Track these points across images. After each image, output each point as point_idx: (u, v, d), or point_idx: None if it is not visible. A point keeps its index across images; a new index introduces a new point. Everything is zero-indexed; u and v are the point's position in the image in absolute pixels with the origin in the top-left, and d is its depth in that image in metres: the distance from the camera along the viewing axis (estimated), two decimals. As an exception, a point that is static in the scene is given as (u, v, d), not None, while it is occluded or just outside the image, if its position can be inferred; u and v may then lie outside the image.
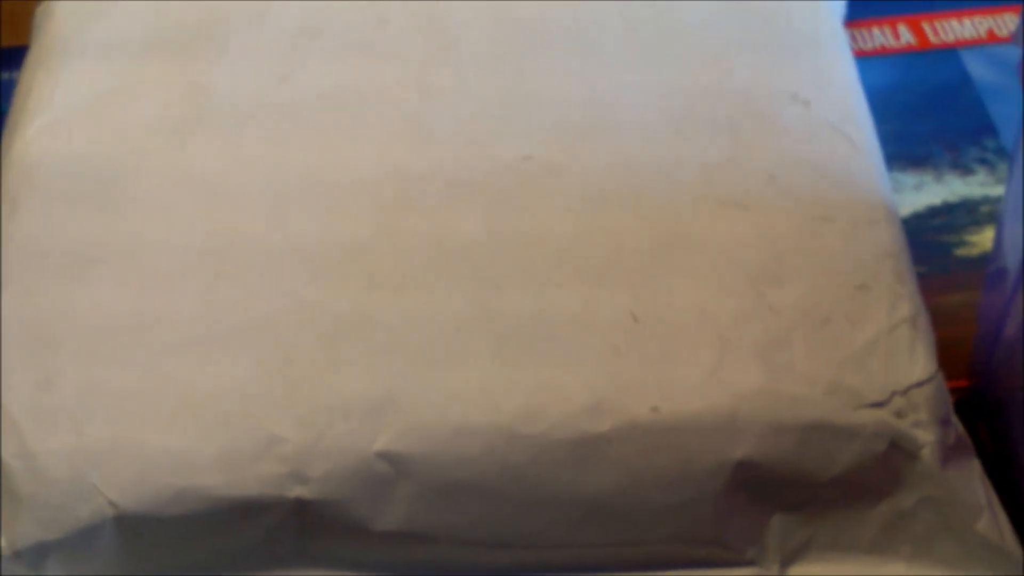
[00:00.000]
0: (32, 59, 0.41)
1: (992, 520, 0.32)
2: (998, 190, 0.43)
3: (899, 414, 0.32)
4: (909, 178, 0.43)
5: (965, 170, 0.43)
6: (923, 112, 0.45)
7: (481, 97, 0.37)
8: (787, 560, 0.33)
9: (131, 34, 0.40)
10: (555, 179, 0.35)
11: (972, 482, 0.33)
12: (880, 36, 0.48)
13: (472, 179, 0.35)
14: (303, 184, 0.36)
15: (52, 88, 0.39)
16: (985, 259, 0.41)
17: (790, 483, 0.32)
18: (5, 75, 0.51)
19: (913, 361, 0.32)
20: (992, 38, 0.47)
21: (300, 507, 0.32)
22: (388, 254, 0.34)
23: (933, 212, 0.42)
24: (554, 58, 0.38)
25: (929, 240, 0.41)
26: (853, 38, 0.47)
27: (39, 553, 0.32)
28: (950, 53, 0.47)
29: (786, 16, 0.38)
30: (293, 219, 0.35)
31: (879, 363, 0.32)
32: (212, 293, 0.34)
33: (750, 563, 0.33)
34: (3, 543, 0.32)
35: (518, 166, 0.36)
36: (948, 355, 0.34)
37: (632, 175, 0.35)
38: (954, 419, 0.33)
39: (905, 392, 0.32)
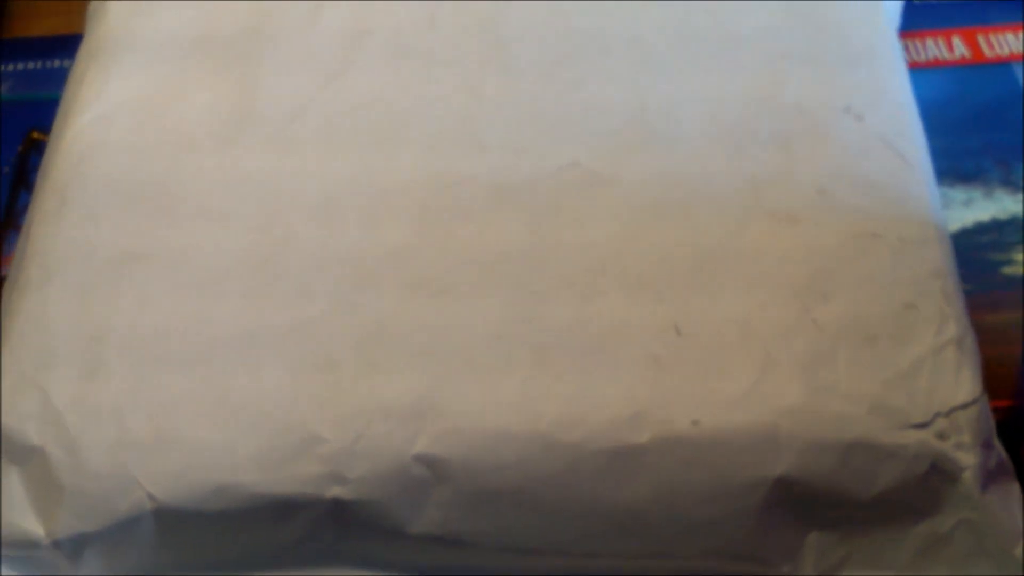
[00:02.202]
0: (85, 51, 0.41)
1: (1032, 545, 0.32)
2: (1049, 208, 0.42)
3: (942, 436, 0.31)
4: (958, 193, 0.43)
5: (1015, 187, 0.43)
6: (975, 126, 0.44)
7: (530, 103, 0.37)
8: (822, 577, 0.33)
9: (183, 32, 0.40)
10: (601, 187, 0.35)
11: (1012, 506, 0.32)
12: (934, 48, 0.47)
13: (518, 185, 0.35)
14: (349, 187, 0.36)
15: (104, 82, 0.39)
16: (1033, 278, 0.41)
17: (829, 501, 0.32)
18: (9, 66, 0.52)
19: (958, 383, 0.32)
20: (1047, 53, 0.47)
21: (337, 507, 0.32)
22: (432, 258, 0.34)
23: (981, 229, 0.42)
24: (606, 66, 0.38)
25: (976, 257, 0.40)
26: (906, 49, 0.46)
27: (78, 543, 0.33)
28: (1004, 67, 0.46)
29: (842, 26, 0.38)
30: (338, 222, 0.35)
31: (924, 383, 0.32)
32: (256, 293, 0.34)
33: (785, 579, 0.33)
34: (42, 532, 0.32)
35: (564, 174, 0.35)
36: (991, 375, 0.33)
37: (680, 185, 0.35)
38: (996, 442, 0.32)
39: (949, 414, 0.32)
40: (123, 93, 0.39)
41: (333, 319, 0.33)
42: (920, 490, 0.31)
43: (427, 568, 0.33)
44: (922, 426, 0.31)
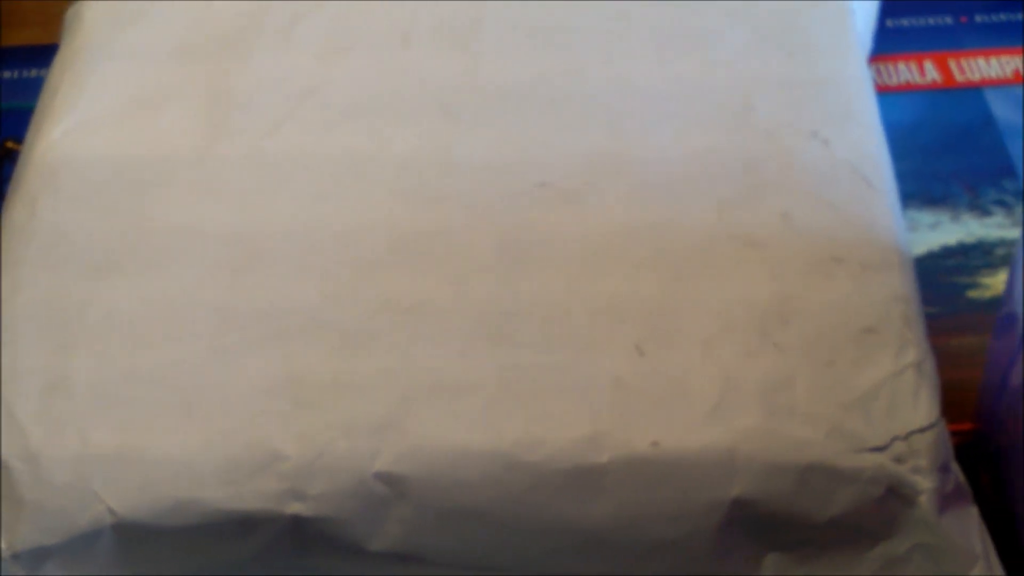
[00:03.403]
0: (60, 60, 0.41)
1: (987, 568, 0.32)
2: (1015, 233, 0.42)
3: (899, 459, 0.32)
4: (926, 216, 0.43)
5: (982, 211, 0.43)
6: (944, 150, 0.45)
7: (503, 121, 0.37)
8: (780, 599, 0.33)
9: (161, 39, 0.40)
10: (571, 205, 0.35)
11: (969, 530, 0.32)
12: (906, 72, 0.47)
13: (489, 204, 0.36)
14: (324, 204, 0.36)
15: (79, 91, 0.39)
16: (997, 303, 0.41)
17: (786, 523, 0.32)
18: (6, 74, 0.52)
19: (916, 407, 0.32)
20: (1018, 78, 0.47)
21: (297, 523, 0.32)
22: (401, 275, 0.34)
23: (948, 252, 0.42)
24: (582, 85, 0.38)
25: (942, 280, 0.41)
26: (878, 72, 0.47)
27: (38, 556, 0.33)
28: (975, 92, 0.47)
29: (811, 51, 0.38)
30: (312, 234, 0.35)
31: (882, 407, 0.32)
32: (225, 309, 0.34)
33: (744, 601, 0.33)
34: (3, 545, 0.32)
35: (534, 192, 0.36)
36: (954, 398, 0.34)
37: (648, 207, 0.35)
38: (954, 466, 0.32)
39: (906, 437, 0.32)
40: (98, 105, 0.39)
41: (300, 335, 0.33)
42: (877, 513, 0.32)
43: (387, 585, 0.33)
44: (879, 449, 0.31)
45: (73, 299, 0.35)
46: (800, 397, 0.32)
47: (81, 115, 0.39)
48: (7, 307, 0.35)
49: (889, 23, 0.47)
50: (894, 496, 0.31)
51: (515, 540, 0.32)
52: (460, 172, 0.36)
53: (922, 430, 0.32)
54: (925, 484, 0.31)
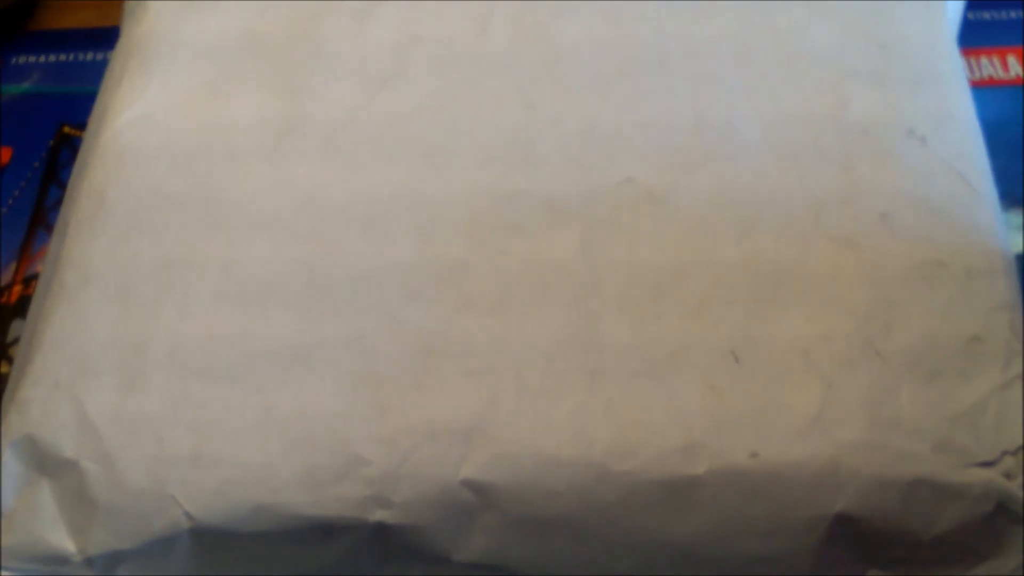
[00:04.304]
0: (124, 47, 0.40)
1: (1094, 587, 0.31)
2: (1106, 235, 0.41)
3: (1008, 475, 0.30)
4: (1012, 218, 0.42)
5: (1072, 212, 0.42)
6: (1031, 149, 0.43)
7: (585, 117, 0.36)
8: (879, 617, 0.32)
9: (227, 34, 0.39)
10: (657, 205, 0.34)
11: (1076, 548, 0.31)
12: (989, 66, 0.46)
13: (572, 201, 0.34)
14: (398, 199, 0.35)
15: (146, 79, 0.38)
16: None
17: (890, 540, 0.31)
18: (62, 57, 0.51)
19: (1026, 420, 0.31)
20: (1106, 75, 0.45)
21: (380, 531, 0.31)
22: (483, 274, 0.33)
23: (1037, 255, 0.41)
24: (664, 81, 0.36)
25: (1031, 285, 0.39)
26: (961, 66, 0.45)
27: (111, 561, 0.32)
28: (1062, 88, 0.45)
29: (906, 45, 0.37)
30: (387, 235, 0.34)
31: (990, 421, 0.31)
32: (303, 307, 0.33)
33: (840, 618, 0.32)
34: (73, 548, 0.32)
35: (620, 190, 0.34)
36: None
37: (737, 206, 0.34)
38: (1062, 482, 0.31)
39: (1016, 452, 0.30)
40: (164, 94, 0.37)
41: (381, 335, 0.32)
42: (984, 531, 0.30)
43: (471, 597, 0.32)
44: (988, 464, 0.30)
45: (145, 292, 0.34)
46: (905, 409, 0.31)
47: (148, 104, 0.37)
48: (76, 302, 0.34)
49: (971, 16, 0.46)
50: (1003, 513, 0.30)
51: (604, 553, 0.31)
52: (541, 165, 0.35)
53: (1032, 445, 0.31)
54: (1035, 501, 0.30)
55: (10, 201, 0.46)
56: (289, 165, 0.36)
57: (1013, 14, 0.48)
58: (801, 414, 0.31)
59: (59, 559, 0.32)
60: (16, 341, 0.43)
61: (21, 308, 0.43)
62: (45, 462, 0.32)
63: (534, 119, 0.36)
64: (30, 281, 0.44)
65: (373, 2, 0.39)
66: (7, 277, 0.44)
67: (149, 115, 0.37)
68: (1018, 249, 0.41)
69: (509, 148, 0.35)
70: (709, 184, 0.34)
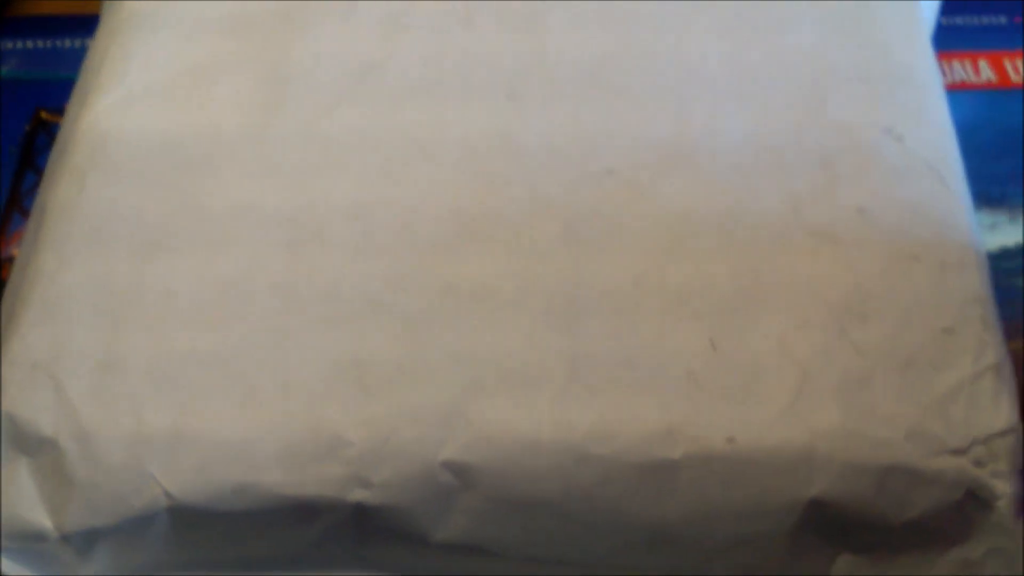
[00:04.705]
0: (105, 30, 0.40)
1: (1061, 575, 0.32)
2: (1074, 236, 0.42)
3: (978, 463, 0.31)
4: (984, 217, 0.42)
5: (1041, 213, 0.43)
6: (1000, 151, 0.44)
7: (569, 109, 0.36)
8: (850, 602, 0.32)
9: (211, 15, 0.39)
10: (639, 196, 0.35)
11: (1044, 535, 0.32)
12: (961, 71, 0.47)
13: (555, 190, 0.35)
14: (385, 182, 0.35)
15: (126, 62, 0.38)
16: (1058, 307, 0.41)
17: (862, 525, 0.31)
18: (39, 43, 0.51)
19: (996, 410, 0.31)
20: (1074, 81, 0.47)
21: (360, 511, 0.31)
22: (467, 261, 0.33)
23: (1006, 254, 0.42)
24: (648, 76, 0.37)
25: (1001, 283, 0.40)
26: (933, 70, 0.46)
27: (88, 538, 0.32)
28: (1030, 93, 0.46)
29: (885, 46, 0.37)
30: (373, 220, 0.34)
31: (962, 410, 0.31)
32: (286, 289, 0.33)
33: (812, 602, 0.32)
34: (50, 525, 0.31)
35: (601, 181, 0.35)
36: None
37: (719, 199, 0.34)
38: (1030, 470, 0.32)
39: (986, 441, 0.31)
40: (147, 76, 0.37)
41: (365, 318, 0.32)
42: (954, 517, 0.31)
43: (450, 577, 0.32)
44: (959, 452, 0.31)
45: (126, 277, 0.34)
46: (879, 397, 0.31)
47: (129, 87, 0.37)
48: (54, 284, 0.34)
49: (944, 21, 0.47)
50: (972, 500, 0.31)
51: (583, 534, 0.31)
52: (525, 156, 0.35)
53: (1002, 434, 0.31)
54: (1004, 488, 0.31)
55: (-14, 184, 0.46)
56: (273, 148, 0.36)
57: (985, 20, 0.49)
58: (777, 401, 0.31)
59: (36, 536, 0.31)
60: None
61: (-4, 290, 0.43)
62: (23, 441, 0.32)
63: (518, 108, 0.36)
64: (4, 264, 0.44)
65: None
66: (-18, 260, 0.44)
67: (131, 97, 0.37)
68: (988, 248, 0.42)
69: (493, 136, 0.36)
70: (691, 177, 0.35)
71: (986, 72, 0.47)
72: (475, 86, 0.37)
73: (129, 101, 0.37)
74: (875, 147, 0.35)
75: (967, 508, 0.31)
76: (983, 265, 0.34)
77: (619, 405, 0.31)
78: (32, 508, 0.31)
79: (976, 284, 0.33)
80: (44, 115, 0.48)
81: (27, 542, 0.32)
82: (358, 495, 0.31)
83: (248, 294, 0.33)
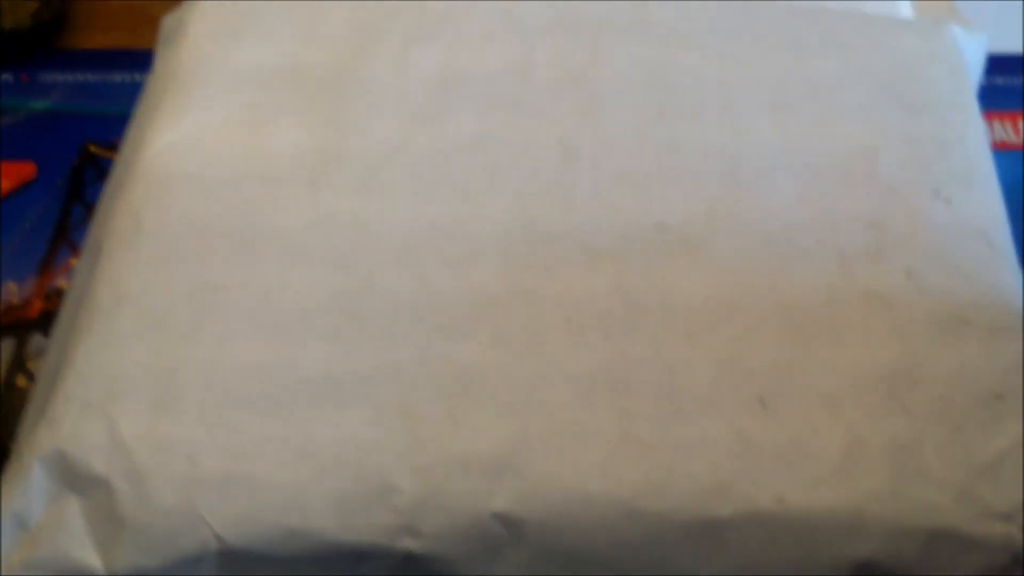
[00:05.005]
0: (162, 69, 0.40)
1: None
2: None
3: (1026, 529, 0.31)
4: (1024, 279, 0.42)
5: (1081, 276, 0.43)
6: (1041, 213, 0.44)
7: (622, 161, 0.37)
8: (895, 665, 0.32)
9: (269, 64, 0.39)
10: (691, 253, 0.35)
11: (1088, 602, 0.32)
12: (1000, 131, 0.47)
13: (606, 244, 0.35)
14: (436, 233, 0.35)
15: (185, 105, 0.38)
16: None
17: (909, 588, 0.31)
18: (90, 77, 0.51)
19: (1044, 477, 0.32)
20: (1112, 142, 0.47)
21: (408, 560, 0.31)
22: (519, 312, 0.34)
23: (1048, 316, 0.42)
24: (700, 129, 0.37)
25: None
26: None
27: (136, 579, 0.32)
28: (1069, 153, 0.46)
29: (936, 109, 0.38)
30: (425, 269, 0.35)
31: (1010, 475, 0.31)
32: (340, 337, 0.33)
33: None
34: (99, 564, 0.32)
35: (654, 236, 0.35)
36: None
37: (769, 254, 0.35)
38: (1076, 538, 0.32)
39: (1034, 507, 0.31)
40: (205, 119, 0.38)
41: (417, 367, 0.33)
42: (1002, 582, 0.31)
43: (497, 630, 0.32)
44: (1007, 518, 0.31)
45: (181, 314, 0.34)
46: (929, 460, 0.31)
47: (188, 128, 0.38)
48: (111, 321, 0.34)
49: (983, 81, 0.47)
50: (1019, 565, 0.31)
51: (630, 590, 0.32)
52: (577, 208, 0.36)
53: (1049, 500, 0.31)
54: (1051, 555, 0.31)
55: (34, 217, 0.46)
56: (328, 196, 0.36)
57: (1022, 80, 0.49)
58: (826, 461, 0.31)
59: (84, 575, 0.32)
60: (36, 355, 0.43)
61: (42, 323, 0.44)
62: (75, 478, 0.32)
63: (571, 162, 0.37)
64: (51, 296, 0.44)
65: (418, 38, 0.40)
66: (28, 291, 0.44)
67: (189, 139, 0.38)
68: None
69: (546, 189, 0.36)
70: (742, 233, 0.35)
71: (1026, 133, 0.47)
72: (529, 136, 0.37)
73: (187, 142, 0.38)
74: (923, 210, 0.36)
75: (1014, 573, 0.31)
76: (1032, 330, 0.34)
77: (669, 462, 0.32)
78: (82, 547, 0.32)
79: (1024, 349, 0.34)
80: (93, 149, 0.48)
81: (76, 581, 0.32)
82: (407, 544, 0.31)
83: (301, 339, 0.33)
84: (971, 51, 0.41)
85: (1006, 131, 0.47)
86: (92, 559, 0.32)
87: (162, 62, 0.41)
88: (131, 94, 0.42)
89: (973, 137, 0.38)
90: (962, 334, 0.33)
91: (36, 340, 0.43)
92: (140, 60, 0.44)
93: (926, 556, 0.31)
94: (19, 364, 0.43)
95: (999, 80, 0.49)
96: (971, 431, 0.32)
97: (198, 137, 0.38)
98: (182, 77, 0.39)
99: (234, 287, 0.34)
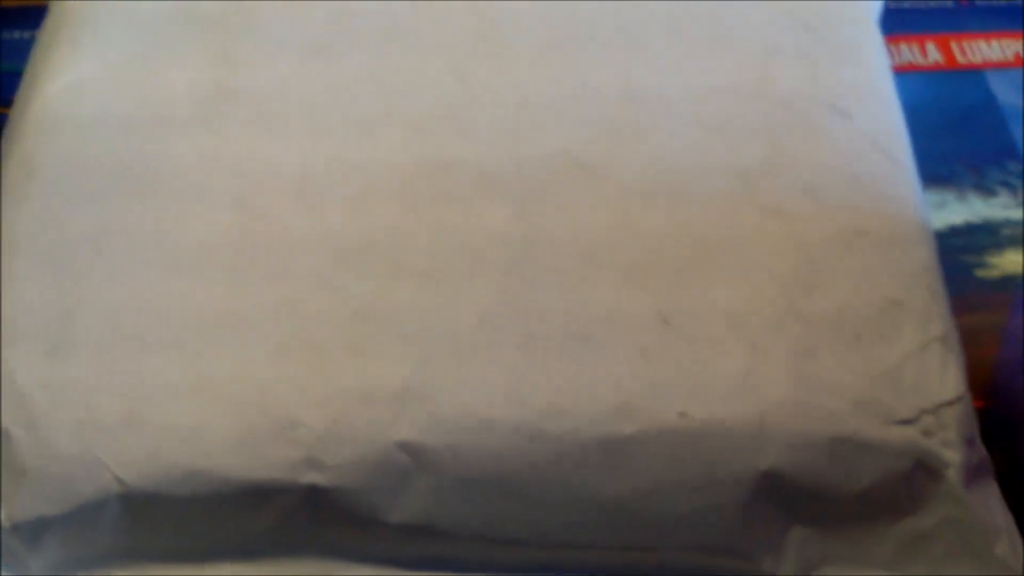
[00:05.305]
0: (52, 21, 0.40)
1: (1010, 544, 0.32)
2: (1019, 213, 0.43)
3: (927, 433, 0.31)
4: (931, 196, 0.43)
5: (987, 191, 0.43)
6: (947, 131, 0.45)
7: (518, 89, 0.36)
8: (803, 573, 0.32)
9: (162, 6, 0.39)
10: (590, 176, 0.35)
11: (992, 504, 0.32)
12: (908, 53, 0.47)
13: (505, 172, 0.35)
14: (332, 168, 0.35)
15: (74, 50, 0.38)
16: (1006, 282, 0.41)
17: (813, 496, 0.31)
18: (5, 35, 0.50)
19: (943, 380, 0.32)
20: (1019, 62, 0.47)
21: (313, 494, 0.31)
22: (417, 243, 0.33)
23: (954, 232, 0.42)
24: (596, 54, 0.37)
25: (949, 260, 0.40)
26: (881, 52, 0.47)
27: (38, 528, 0.31)
28: (976, 74, 0.47)
29: (831, 24, 0.38)
30: (321, 203, 0.34)
31: (910, 380, 0.32)
32: (235, 273, 0.33)
33: (766, 574, 0.32)
34: (2, 515, 0.31)
35: (553, 161, 0.35)
36: (965, 376, 0.33)
37: (668, 176, 0.35)
38: (978, 440, 0.32)
39: (934, 411, 0.31)
40: (97, 63, 0.37)
41: (315, 301, 0.32)
42: (904, 487, 0.31)
43: (408, 560, 0.32)
44: (908, 422, 0.31)
45: (75, 257, 0.33)
46: (829, 369, 0.32)
47: (80, 73, 0.37)
48: (5, 272, 0.33)
49: (891, 4, 0.47)
50: (922, 469, 0.31)
51: (538, 512, 0.32)
52: (475, 137, 0.36)
53: (950, 403, 0.32)
54: (953, 458, 0.31)
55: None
56: (222, 134, 0.36)
57: (932, 3, 0.49)
58: (728, 375, 0.32)
59: (-15, 526, 0.31)
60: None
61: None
62: (-30, 430, 0.32)
63: (468, 91, 0.36)
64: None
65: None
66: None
67: (81, 83, 0.37)
68: (935, 226, 0.42)
69: (443, 120, 0.36)
70: (640, 155, 0.35)
71: (933, 54, 0.47)
72: (423, 67, 0.37)
73: (79, 86, 0.37)
74: (821, 124, 0.36)
75: (917, 478, 0.31)
76: (930, 239, 0.34)
77: (572, 381, 0.31)
78: (-19, 498, 0.31)
79: (923, 256, 0.34)
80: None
81: (-24, 533, 0.31)
82: (312, 478, 0.31)
83: (197, 278, 0.33)
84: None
85: (913, 53, 0.48)
86: (-8, 510, 0.31)
87: (53, 11, 0.40)
88: (27, 51, 0.41)
89: (870, 52, 0.38)
90: (860, 244, 0.34)
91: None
92: (35, 17, 0.43)
93: (829, 464, 0.31)
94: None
95: (906, 3, 0.49)
96: (870, 339, 0.32)
97: (91, 80, 0.37)
98: (73, 23, 0.39)
99: (129, 227, 0.34)
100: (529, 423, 0.31)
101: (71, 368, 0.32)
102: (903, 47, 0.48)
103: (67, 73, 0.37)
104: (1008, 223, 0.42)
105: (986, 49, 0.47)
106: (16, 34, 0.50)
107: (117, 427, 0.31)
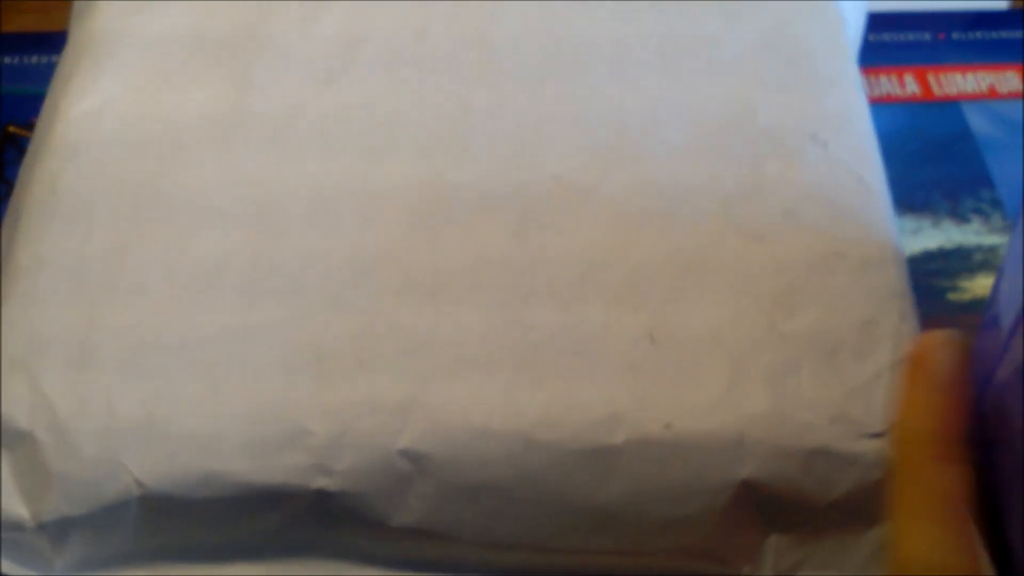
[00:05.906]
0: (73, 47, 0.42)
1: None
2: (991, 239, 0.45)
3: (896, 446, 0.33)
4: (908, 222, 0.45)
5: (961, 219, 0.45)
6: (924, 160, 0.47)
7: (518, 117, 0.38)
8: (780, 577, 0.34)
9: (176, 30, 0.41)
10: (583, 199, 0.37)
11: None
12: (887, 84, 0.50)
13: (504, 195, 0.37)
14: (341, 189, 0.37)
15: (96, 76, 0.40)
16: (976, 305, 0.43)
17: (790, 505, 0.33)
18: (7, 60, 0.52)
19: (913, 396, 0.34)
20: (993, 94, 0.49)
21: (322, 498, 0.33)
22: (421, 261, 0.35)
23: (929, 256, 0.44)
24: (591, 81, 0.39)
25: (923, 283, 0.43)
26: (860, 84, 0.49)
27: (63, 527, 0.33)
28: (952, 106, 0.49)
29: (811, 58, 0.40)
30: (331, 222, 0.36)
31: (881, 396, 0.34)
32: (250, 289, 0.35)
33: (745, 578, 0.34)
34: (28, 515, 0.33)
35: (549, 184, 0.37)
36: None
37: (657, 200, 0.37)
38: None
39: (904, 425, 0.33)
40: (116, 87, 0.39)
41: (324, 315, 0.34)
42: (875, 496, 0.33)
43: (408, 560, 0.34)
44: (878, 435, 0.33)
45: (98, 272, 0.35)
46: (805, 385, 0.34)
47: (100, 97, 0.39)
48: (31, 281, 0.35)
49: (871, 37, 0.49)
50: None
51: (532, 516, 0.34)
52: (476, 162, 0.38)
53: (918, 418, 0.34)
54: (920, 469, 0.33)
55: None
56: (236, 156, 0.38)
57: (910, 36, 0.52)
58: (711, 390, 0.34)
59: (14, 525, 0.33)
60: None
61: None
62: (1, 435, 0.33)
63: (469, 117, 0.38)
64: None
65: (318, 2, 0.41)
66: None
67: (101, 107, 0.39)
68: (911, 251, 0.44)
69: (446, 144, 0.38)
70: (631, 180, 0.37)
71: (911, 86, 0.50)
72: (429, 94, 0.39)
73: (99, 110, 0.39)
74: (800, 152, 0.38)
75: (887, 488, 0.33)
76: (901, 262, 0.36)
77: (565, 394, 0.33)
78: (10, 499, 0.33)
79: (895, 279, 0.36)
80: (12, 129, 0.49)
81: (7, 531, 0.33)
82: (320, 482, 0.33)
83: (213, 292, 0.35)
84: (850, 8, 0.43)
85: (892, 84, 0.50)
86: (20, 509, 0.33)
87: (74, 37, 0.42)
88: (48, 75, 0.43)
89: (847, 84, 0.40)
90: (837, 267, 0.36)
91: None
92: (57, 42, 0.45)
93: (804, 474, 0.33)
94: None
95: (885, 36, 0.52)
96: (845, 355, 0.34)
97: (110, 104, 0.39)
98: (92, 49, 0.41)
99: (147, 245, 0.36)
100: (524, 433, 0.33)
101: (94, 378, 0.34)
102: (883, 79, 0.50)
103: (88, 97, 0.39)
104: (980, 249, 0.45)
105: (962, 81, 0.50)
106: (39, 58, 0.52)
107: (137, 433, 0.33)
